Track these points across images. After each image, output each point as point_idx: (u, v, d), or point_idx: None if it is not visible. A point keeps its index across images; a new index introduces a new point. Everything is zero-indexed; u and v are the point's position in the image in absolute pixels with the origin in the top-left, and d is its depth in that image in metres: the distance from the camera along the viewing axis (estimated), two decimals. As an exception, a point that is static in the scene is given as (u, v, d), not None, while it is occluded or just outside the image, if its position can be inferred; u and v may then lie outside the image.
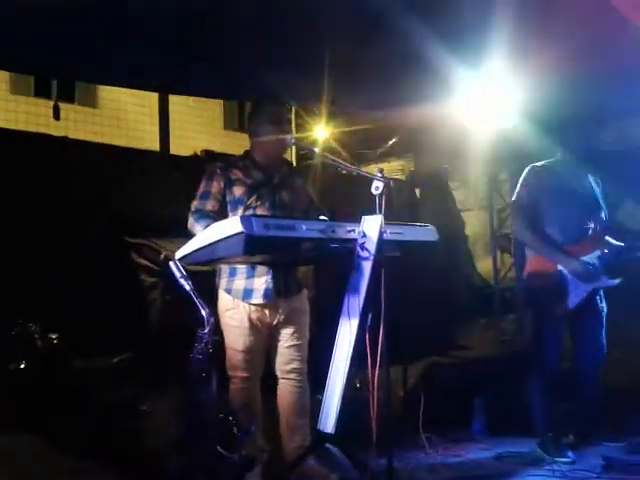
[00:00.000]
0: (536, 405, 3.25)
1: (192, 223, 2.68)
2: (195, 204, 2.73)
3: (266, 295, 2.67)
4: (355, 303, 2.40)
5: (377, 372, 2.42)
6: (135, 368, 3.82)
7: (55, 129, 4.73)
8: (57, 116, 4.15)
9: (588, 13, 3.12)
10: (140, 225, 4.64)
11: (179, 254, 2.34)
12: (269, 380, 2.84)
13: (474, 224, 7.64)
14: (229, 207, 2.72)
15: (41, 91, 8.07)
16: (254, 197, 2.71)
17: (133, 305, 4.45)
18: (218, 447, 1.89)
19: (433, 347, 5.02)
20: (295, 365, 2.77)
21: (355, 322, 2.41)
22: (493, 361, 4.51)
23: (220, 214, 2.68)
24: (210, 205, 2.71)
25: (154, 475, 2.65)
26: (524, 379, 3.32)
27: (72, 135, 5.58)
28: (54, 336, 3.69)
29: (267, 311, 2.70)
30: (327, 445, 2.43)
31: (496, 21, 3.22)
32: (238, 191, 2.72)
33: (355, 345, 2.41)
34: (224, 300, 2.72)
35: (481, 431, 3.58)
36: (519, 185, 3.33)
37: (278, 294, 2.69)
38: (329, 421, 2.41)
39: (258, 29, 3.20)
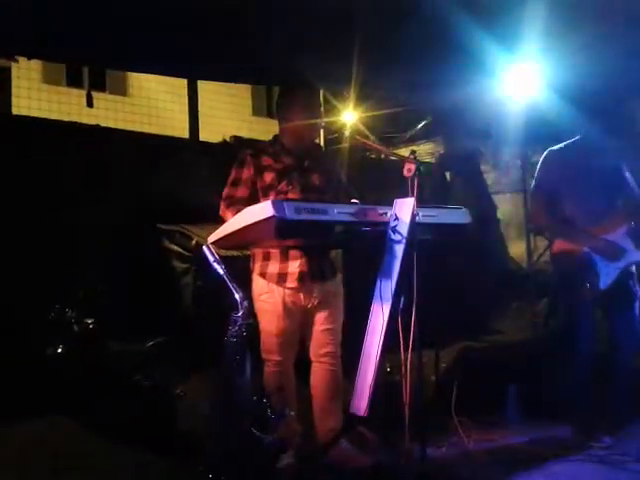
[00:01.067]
0: (571, 389, 3.20)
1: (224, 210, 2.71)
2: (226, 191, 2.76)
3: (301, 279, 2.68)
4: (387, 287, 2.39)
5: (409, 356, 2.40)
6: (169, 352, 3.87)
7: (87, 118, 4.78)
8: (90, 104, 4.19)
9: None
10: (171, 211, 4.69)
11: (211, 238, 2.36)
12: (302, 364, 2.85)
13: (506, 207, 7.52)
14: (260, 193, 2.73)
15: (73, 80, 8.19)
16: (285, 182, 2.72)
17: (166, 290, 4.51)
18: (252, 429, 1.91)
19: (465, 331, 4.97)
20: (329, 349, 2.78)
21: (387, 306, 2.39)
22: (527, 345, 4.45)
23: (251, 200, 2.69)
24: (241, 192, 2.73)
25: (189, 457, 2.70)
26: (558, 363, 3.28)
27: (103, 123, 5.64)
28: (90, 321, 3.76)
29: (301, 295, 2.71)
30: (360, 428, 2.43)
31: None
32: (269, 177, 2.73)
33: (387, 329, 2.40)
34: (258, 284, 2.74)
35: (515, 416, 3.54)
36: (537, 170, 3.28)
37: (312, 277, 2.71)
38: (361, 404, 2.41)
39: (288, 13, 3.17)
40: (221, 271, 2.03)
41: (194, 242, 4.46)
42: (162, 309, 4.33)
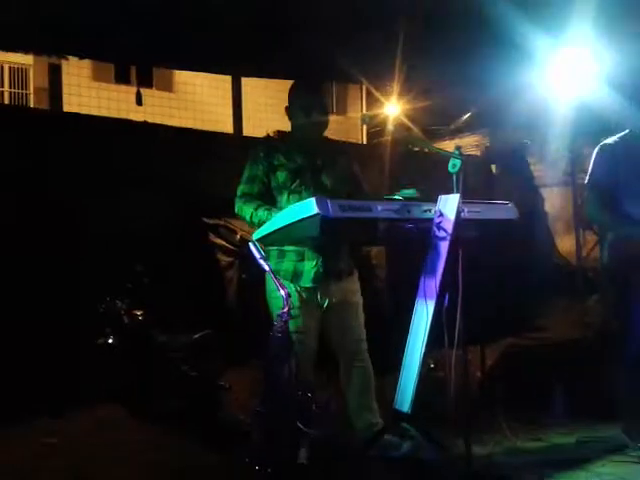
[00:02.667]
0: (620, 388, 3.11)
1: (240, 207, 2.70)
2: (241, 188, 2.74)
3: (316, 279, 2.65)
4: (431, 284, 2.37)
5: (454, 352, 2.38)
6: (214, 344, 3.94)
7: (134, 113, 4.90)
8: (139, 102, 4.28)
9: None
10: (216, 206, 4.75)
11: (256, 235, 2.38)
12: (333, 361, 2.85)
13: (554, 201, 7.35)
14: (275, 192, 2.73)
15: (121, 77, 8.38)
16: (297, 182, 2.70)
17: (211, 283, 4.59)
18: (298, 423, 1.93)
19: (511, 328, 4.90)
20: (353, 346, 2.76)
21: (432, 303, 2.38)
22: (575, 343, 4.35)
23: (266, 197, 2.70)
24: (256, 189, 2.72)
25: (234, 448, 2.75)
26: (608, 360, 3.19)
27: (150, 119, 5.76)
28: (139, 313, 3.86)
29: (318, 293, 2.68)
30: (403, 424, 2.43)
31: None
32: (281, 176, 2.71)
33: (431, 326, 2.38)
34: (270, 280, 2.62)
35: (562, 415, 3.46)
36: (590, 163, 3.19)
37: (328, 277, 2.67)
38: (405, 400, 2.41)
39: (331, 9, 3.17)
40: (267, 268, 2.06)
41: (238, 236, 4.53)
42: (207, 302, 4.41)
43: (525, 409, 3.37)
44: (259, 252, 2.11)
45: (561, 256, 7.03)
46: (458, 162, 2.41)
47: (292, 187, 2.69)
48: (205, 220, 4.70)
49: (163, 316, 3.93)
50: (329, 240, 2.44)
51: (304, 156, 2.74)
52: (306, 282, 2.65)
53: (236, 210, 2.74)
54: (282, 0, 3.02)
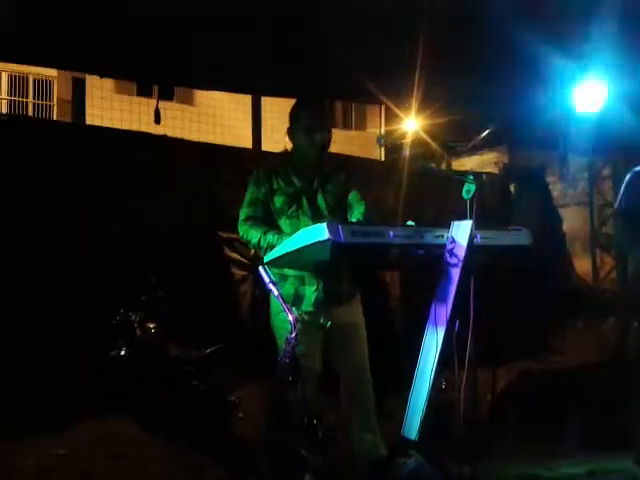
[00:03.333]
0: (635, 417, 3.06)
1: (246, 230, 2.67)
2: (245, 211, 2.71)
3: (316, 304, 2.62)
4: (442, 311, 2.36)
5: (464, 378, 2.36)
6: (227, 359, 3.95)
7: (155, 127, 4.96)
8: (158, 120, 4.33)
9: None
10: (233, 220, 4.77)
11: (267, 259, 2.38)
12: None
13: (572, 221, 7.29)
14: (275, 216, 2.71)
15: (143, 91, 8.50)
16: (294, 207, 2.68)
17: (225, 297, 4.61)
18: (302, 451, 1.93)
19: (525, 349, 4.85)
20: (355, 367, 2.73)
21: (442, 331, 2.36)
22: (590, 369, 4.29)
23: (269, 220, 2.69)
24: (260, 212, 2.69)
25: (242, 464, 2.75)
26: (624, 387, 3.14)
27: (170, 132, 5.81)
28: (152, 325, 3.88)
29: (319, 316, 2.65)
30: (410, 451, 2.41)
31: (599, 11, 3.07)
32: (279, 201, 2.69)
33: (442, 352, 2.37)
34: (275, 303, 2.61)
35: (574, 444, 3.41)
36: (621, 191, 3.18)
37: (329, 301, 2.64)
38: (413, 427, 2.39)
39: (350, 29, 3.20)
40: (276, 292, 2.07)
41: (253, 251, 4.54)
42: (221, 316, 4.43)
43: (536, 436, 3.33)
44: (269, 276, 2.12)
45: (579, 277, 6.95)
46: (472, 187, 2.40)
47: (289, 212, 2.67)
48: (220, 234, 4.73)
49: (176, 329, 3.95)
50: (339, 265, 2.43)
51: (302, 179, 2.72)
52: (307, 306, 2.62)
53: (241, 233, 2.72)
54: (299, 20, 3.05)
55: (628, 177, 3.20)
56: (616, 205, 3.26)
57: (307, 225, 2.43)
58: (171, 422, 3.42)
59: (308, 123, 2.68)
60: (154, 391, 3.58)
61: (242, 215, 2.73)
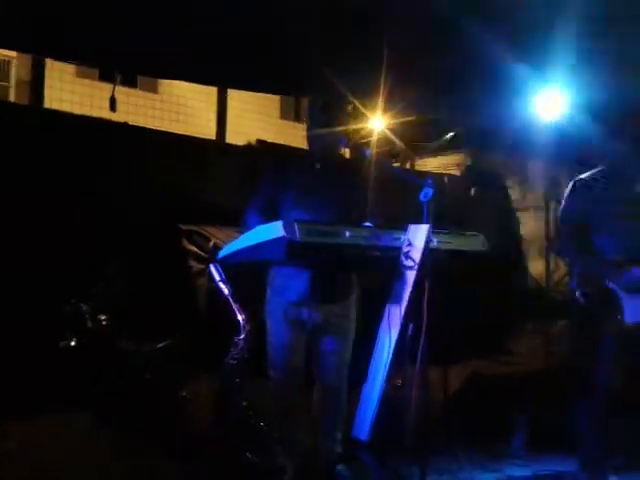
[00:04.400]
0: (581, 422, 3.13)
1: (247, 216, 2.70)
2: (253, 199, 2.76)
3: (299, 293, 2.64)
4: (396, 314, 2.37)
5: (415, 379, 2.38)
6: (179, 354, 3.90)
7: (116, 113, 4.85)
8: (113, 108, 4.24)
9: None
10: (192, 212, 4.72)
11: (222, 253, 2.36)
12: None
13: (530, 224, 7.43)
14: (283, 204, 2.73)
15: (105, 75, 8.29)
16: (303, 195, 2.71)
17: (181, 290, 4.54)
18: (247, 454, 1.90)
19: (477, 348, 4.92)
20: (330, 373, 2.73)
21: (395, 333, 2.37)
22: (538, 374, 4.38)
23: (276, 209, 2.71)
24: (267, 201, 2.73)
25: (190, 460, 2.72)
26: (571, 393, 3.20)
27: (132, 119, 5.70)
28: (103, 317, 3.80)
29: (303, 311, 2.66)
30: (360, 453, 2.41)
31: (559, 22, 3.14)
32: (289, 190, 2.73)
33: (392, 357, 2.38)
34: (267, 295, 2.74)
35: (521, 446, 3.48)
36: (564, 199, 3.21)
37: (315, 296, 2.65)
38: (363, 429, 2.40)
39: (319, 26, 3.19)
40: (226, 291, 2.04)
41: (212, 244, 4.50)
42: (176, 309, 4.36)
43: (484, 438, 3.38)
44: (220, 274, 2.09)
45: (532, 279, 7.10)
46: (430, 191, 2.41)
47: (297, 201, 2.70)
48: (180, 226, 4.66)
49: (130, 322, 3.88)
50: (295, 264, 2.42)
51: (314, 171, 2.77)
52: (292, 297, 2.64)
53: (244, 218, 2.73)
54: (266, 14, 3.01)
55: (571, 185, 3.23)
56: (559, 214, 3.30)
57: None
58: (120, 417, 3.36)
59: (322, 120, 2.74)
60: (104, 384, 3.51)
61: (250, 201, 2.76)
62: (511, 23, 3.07)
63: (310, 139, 2.80)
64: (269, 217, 2.57)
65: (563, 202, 3.23)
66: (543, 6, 3.09)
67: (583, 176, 3.20)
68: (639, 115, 3.20)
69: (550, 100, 4.86)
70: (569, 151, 5.95)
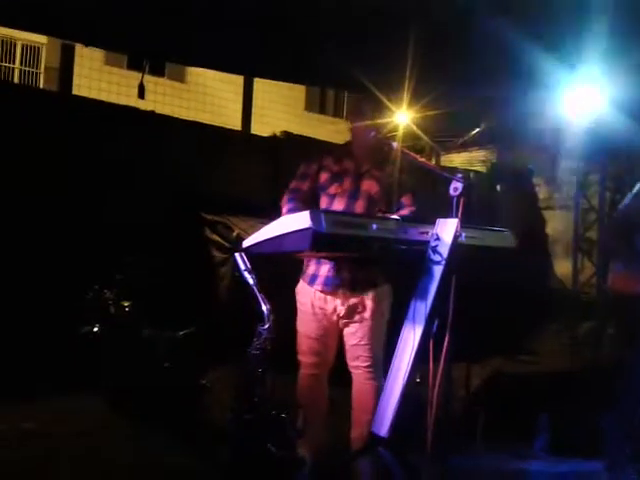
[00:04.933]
0: (611, 424, 3.06)
1: (285, 200, 2.74)
2: (293, 184, 2.80)
3: (326, 283, 2.66)
4: (421, 309, 2.32)
5: (438, 379, 2.33)
6: (200, 342, 3.90)
7: (144, 101, 4.86)
8: (142, 95, 4.25)
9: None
10: (217, 202, 4.72)
11: (246, 243, 2.34)
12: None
13: (556, 224, 7.29)
14: (318, 192, 2.78)
15: (133, 64, 8.34)
16: (335, 185, 2.73)
17: (204, 279, 4.55)
18: (269, 445, 1.89)
19: (501, 347, 4.86)
20: (360, 363, 2.70)
21: (420, 329, 2.33)
22: (562, 374, 4.30)
23: (311, 196, 2.76)
24: (305, 186, 2.77)
25: (207, 449, 2.72)
26: (601, 396, 3.13)
27: (160, 108, 5.71)
28: (126, 304, 3.82)
29: (329, 300, 2.67)
30: (380, 449, 2.38)
31: (592, 20, 3.07)
32: (323, 177, 2.76)
33: (417, 353, 2.34)
34: (299, 283, 2.78)
35: (543, 448, 3.42)
36: (629, 196, 3.17)
37: (340, 285, 2.64)
38: (384, 425, 2.36)
39: (345, 18, 3.16)
40: (251, 281, 2.01)
41: (235, 234, 4.49)
42: (198, 297, 4.37)
43: (506, 437, 3.33)
44: (244, 263, 2.07)
45: (558, 279, 6.98)
46: (460, 185, 2.36)
47: (328, 190, 2.74)
48: (204, 215, 4.67)
49: (152, 309, 3.89)
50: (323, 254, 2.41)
51: (352, 161, 2.79)
52: (318, 285, 2.67)
53: (281, 202, 2.77)
54: (297, 4, 2.99)
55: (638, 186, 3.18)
56: (618, 209, 3.25)
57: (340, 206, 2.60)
58: (138, 402, 3.38)
59: (356, 112, 2.83)
60: (124, 371, 3.53)
61: (290, 185, 2.81)
62: (543, 19, 2.99)
63: (356, 131, 2.81)
64: (304, 206, 2.60)
65: (626, 200, 3.18)
66: (577, 2, 3.02)
67: None
68: None
69: (582, 99, 4.74)
70: (600, 151, 5.84)
